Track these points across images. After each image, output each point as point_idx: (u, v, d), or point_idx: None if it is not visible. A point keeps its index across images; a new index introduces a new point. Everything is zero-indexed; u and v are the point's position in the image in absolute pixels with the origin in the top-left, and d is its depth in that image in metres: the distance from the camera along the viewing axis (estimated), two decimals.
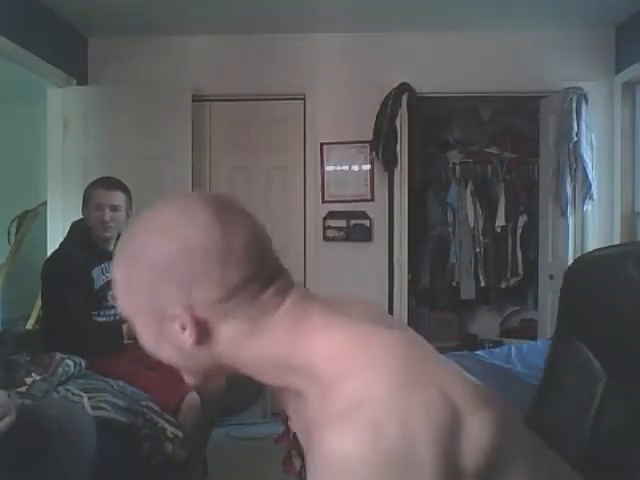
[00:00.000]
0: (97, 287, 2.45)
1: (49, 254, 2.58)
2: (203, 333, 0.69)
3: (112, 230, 2.51)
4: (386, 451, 0.56)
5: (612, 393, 1.09)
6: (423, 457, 0.56)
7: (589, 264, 1.21)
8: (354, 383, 0.62)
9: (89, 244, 2.49)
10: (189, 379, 0.78)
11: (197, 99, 3.69)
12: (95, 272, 2.45)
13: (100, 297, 2.46)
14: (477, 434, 0.60)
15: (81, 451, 1.60)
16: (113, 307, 2.51)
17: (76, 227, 2.59)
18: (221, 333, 0.69)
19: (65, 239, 2.60)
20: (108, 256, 2.52)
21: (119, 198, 2.51)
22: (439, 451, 0.57)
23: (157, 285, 0.68)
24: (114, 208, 2.48)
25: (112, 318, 2.50)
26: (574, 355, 1.16)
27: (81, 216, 2.57)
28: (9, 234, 4.51)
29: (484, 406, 0.62)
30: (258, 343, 0.70)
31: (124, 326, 2.40)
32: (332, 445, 0.58)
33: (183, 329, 0.68)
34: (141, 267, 0.69)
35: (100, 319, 2.45)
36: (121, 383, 2.16)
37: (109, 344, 2.40)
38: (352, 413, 0.59)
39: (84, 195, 2.54)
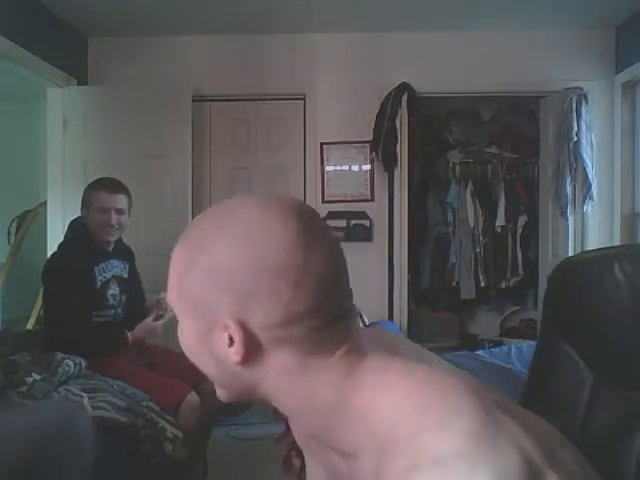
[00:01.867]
0: (97, 287, 2.45)
1: (50, 254, 2.57)
2: (250, 354, 0.62)
3: (117, 233, 2.52)
4: None
5: (599, 393, 1.10)
6: None
7: (573, 267, 1.22)
8: (425, 439, 0.55)
9: (89, 244, 2.49)
10: (221, 393, 0.71)
11: (197, 99, 3.69)
12: (95, 272, 2.46)
13: (99, 297, 2.46)
14: None
15: (79, 453, 1.60)
16: (113, 307, 2.52)
17: (75, 227, 2.58)
18: (270, 360, 0.63)
19: (65, 239, 2.60)
20: (107, 256, 2.53)
21: (123, 201, 2.51)
22: None
23: (215, 289, 0.62)
24: (119, 212, 2.48)
25: (111, 318, 2.51)
26: (560, 357, 1.16)
27: (79, 215, 2.57)
28: (9, 234, 4.51)
29: (557, 453, 0.58)
30: (307, 381, 0.63)
31: (129, 334, 2.40)
32: None
33: (231, 344, 0.62)
34: (203, 264, 0.63)
35: (100, 319, 2.45)
36: (121, 383, 2.16)
37: (110, 344, 2.40)
38: (430, 471, 0.53)
39: (85, 196, 2.51)
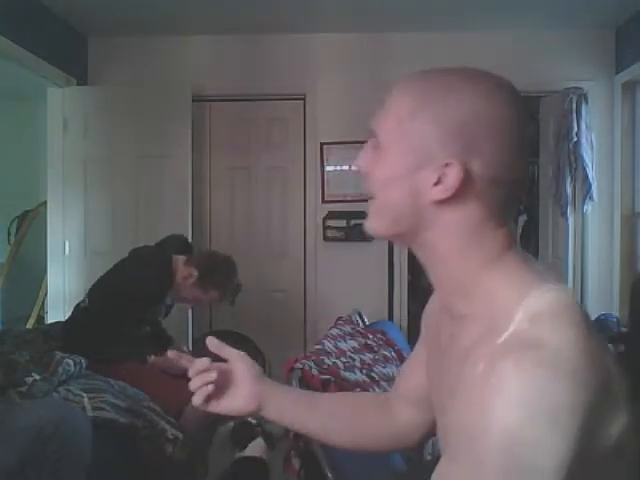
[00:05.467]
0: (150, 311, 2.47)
1: (144, 250, 2.50)
2: (453, 196, 0.69)
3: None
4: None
5: None
6: (587, 400, 0.59)
7: None
8: (521, 326, 0.63)
9: (169, 282, 2.41)
10: (376, 226, 0.78)
11: (197, 99, 3.69)
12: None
13: (147, 318, 2.50)
14: (624, 418, 0.63)
15: (76, 452, 1.59)
16: (147, 325, 2.54)
17: (170, 263, 2.43)
18: (460, 208, 0.70)
19: (164, 252, 2.50)
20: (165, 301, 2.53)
21: (223, 300, 2.49)
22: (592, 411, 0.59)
23: (444, 134, 0.69)
24: (212, 302, 2.55)
25: (141, 333, 2.52)
26: None
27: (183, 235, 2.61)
28: (9, 234, 4.51)
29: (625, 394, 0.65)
30: (471, 241, 0.71)
31: (151, 359, 2.36)
32: (512, 371, 0.59)
33: (437, 183, 0.69)
34: (434, 111, 0.70)
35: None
36: (122, 383, 2.16)
37: (127, 358, 2.37)
38: (539, 349, 0.60)
39: (207, 274, 2.37)
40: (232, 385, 0.94)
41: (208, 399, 0.91)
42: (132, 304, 2.30)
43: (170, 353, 0.97)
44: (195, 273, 2.37)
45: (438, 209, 0.71)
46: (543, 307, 0.64)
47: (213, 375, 0.90)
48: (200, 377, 0.90)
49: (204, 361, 0.91)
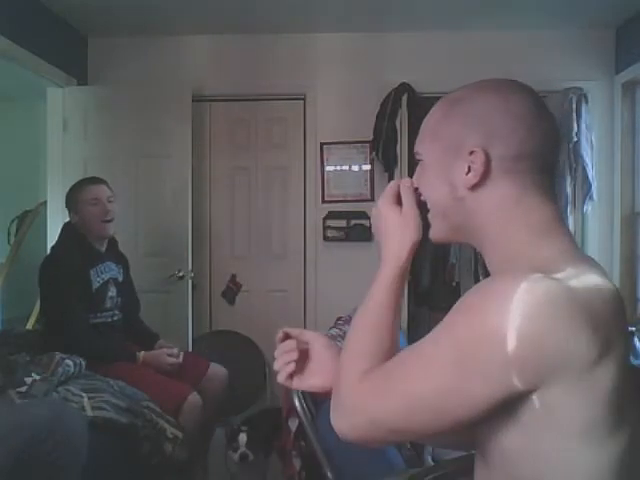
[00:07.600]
0: (94, 289, 2.46)
1: (44, 258, 2.57)
2: (483, 178, 0.80)
3: (111, 226, 2.54)
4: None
5: None
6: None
7: None
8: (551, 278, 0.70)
9: (83, 246, 2.50)
10: (434, 231, 0.88)
11: (197, 99, 3.68)
12: (91, 274, 2.46)
13: (98, 299, 2.47)
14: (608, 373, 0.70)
15: (71, 452, 1.59)
16: (110, 309, 2.52)
17: (68, 229, 2.59)
18: (495, 187, 0.80)
19: (58, 242, 2.60)
20: (102, 258, 2.53)
21: (109, 191, 2.58)
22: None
23: (468, 127, 0.81)
24: (110, 199, 2.54)
25: (109, 319, 2.51)
26: None
27: (68, 219, 2.59)
28: (9, 234, 4.51)
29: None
30: (517, 213, 0.80)
31: (141, 355, 2.41)
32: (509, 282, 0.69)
33: (468, 172, 0.80)
34: (461, 109, 0.83)
35: (97, 320, 2.46)
36: (121, 383, 2.16)
37: (115, 356, 2.39)
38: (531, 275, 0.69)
39: (71, 198, 2.55)
40: (313, 364, 1.00)
41: (290, 377, 0.98)
42: (62, 280, 2.37)
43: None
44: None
45: (476, 194, 0.81)
46: (565, 278, 0.71)
47: (294, 355, 0.97)
48: (283, 357, 0.97)
49: (290, 343, 0.98)
